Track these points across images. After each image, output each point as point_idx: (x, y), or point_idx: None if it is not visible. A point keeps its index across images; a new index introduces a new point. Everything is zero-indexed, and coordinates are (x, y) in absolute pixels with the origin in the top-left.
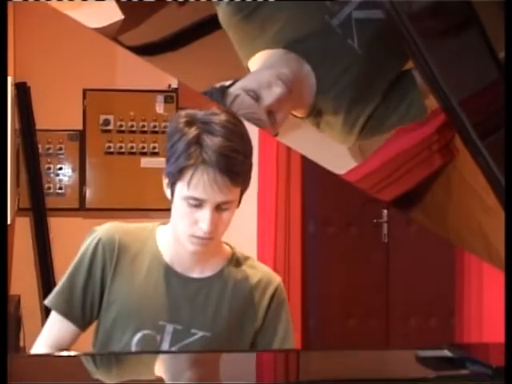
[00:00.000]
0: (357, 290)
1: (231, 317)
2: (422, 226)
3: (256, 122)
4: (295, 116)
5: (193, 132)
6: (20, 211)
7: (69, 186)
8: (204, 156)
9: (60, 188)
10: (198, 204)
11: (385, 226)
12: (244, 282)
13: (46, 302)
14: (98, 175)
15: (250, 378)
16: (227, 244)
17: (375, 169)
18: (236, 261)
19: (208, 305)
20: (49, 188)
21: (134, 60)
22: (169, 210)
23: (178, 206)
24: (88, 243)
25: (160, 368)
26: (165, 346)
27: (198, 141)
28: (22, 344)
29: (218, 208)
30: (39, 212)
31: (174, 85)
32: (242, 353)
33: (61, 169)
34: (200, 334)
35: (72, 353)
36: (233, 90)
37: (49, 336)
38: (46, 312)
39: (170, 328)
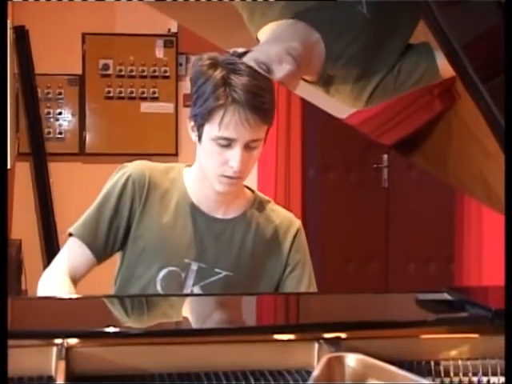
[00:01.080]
0: (357, 235)
1: (254, 258)
2: (422, 171)
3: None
4: (305, 80)
5: (219, 74)
6: (20, 156)
7: (68, 130)
8: (234, 95)
9: (60, 133)
10: (228, 144)
11: (385, 170)
12: (266, 224)
13: (72, 229)
14: (98, 120)
15: (250, 319)
16: (248, 188)
17: (376, 113)
18: (258, 204)
19: (232, 245)
20: (48, 133)
21: (133, 4)
22: (169, 154)
23: (207, 147)
24: (118, 177)
25: (184, 309)
26: (189, 284)
27: (225, 81)
28: (23, 287)
29: (247, 147)
30: (39, 157)
31: (174, 29)
32: (245, 295)
33: (60, 113)
34: (224, 273)
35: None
36: (246, 60)
37: (65, 262)
38: (47, 256)
39: (194, 266)
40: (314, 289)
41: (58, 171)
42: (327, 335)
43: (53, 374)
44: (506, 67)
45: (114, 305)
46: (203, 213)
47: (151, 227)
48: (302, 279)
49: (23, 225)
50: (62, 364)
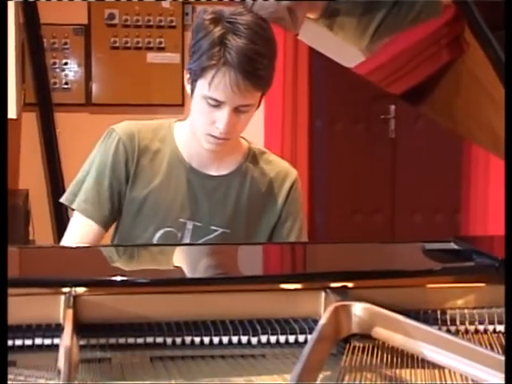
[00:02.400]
0: (363, 186)
1: (250, 213)
2: (429, 122)
3: (278, 21)
4: (310, 18)
5: (218, 31)
6: (26, 106)
7: (75, 81)
8: (227, 57)
9: (66, 83)
10: (217, 104)
11: (392, 121)
12: (261, 178)
13: (75, 206)
14: (104, 70)
15: (256, 268)
16: (243, 138)
17: (384, 62)
18: (252, 157)
19: (227, 202)
20: (55, 83)
21: None
22: (175, 105)
23: (198, 104)
24: (108, 143)
25: (179, 259)
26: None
27: (222, 41)
28: (31, 237)
29: (237, 110)
30: (45, 107)
31: None
32: (251, 245)
33: (66, 64)
34: (220, 230)
35: (86, 244)
36: None
37: (75, 238)
38: (54, 206)
39: (190, 225)
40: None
41: (64, 122)
42: (334, 284)
43: (61, 321)
44: (506, 67)
45: (120, 254)
46: (196, 170)
47: (144, 189)
48: (291, 231)
49: (30, 175)
50: (70, 312)
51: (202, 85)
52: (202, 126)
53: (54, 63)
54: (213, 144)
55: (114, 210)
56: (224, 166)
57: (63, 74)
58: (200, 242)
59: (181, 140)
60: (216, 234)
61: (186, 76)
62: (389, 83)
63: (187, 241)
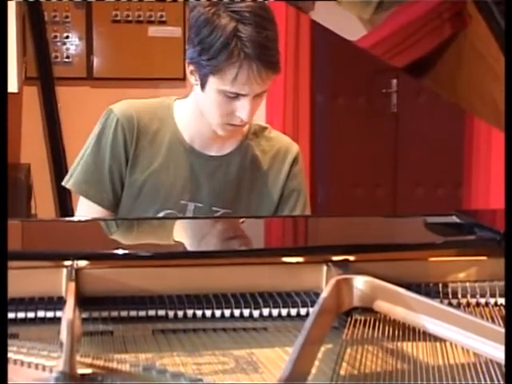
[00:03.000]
0: (365, 160)
1: (252, 191)
2: (431, 96)
3: None
4: None
5: (227, 25)
6: (27, 80)
7: (76, 54)
8: (246, 51)
9: (67, 57)
10: (237, 96)
11: (394, 95)
12: (263, 156)
13: (75, 188)
14: (106, 44)
15: (258, 242)
16: None
17: (387, 35)
18: (253, 134)
19: (228, 182)
20: (56, 57)
21: None
22: (177, 79)
23: (212, 97)
24: (106, 124)
25: (180, 233)
26: None
27: (235, 34)
28: (33, 211)
29: (257, 96)
30: (47, 81)
31: None
32: (252, 218)
33: (67, 37)
34: (221, 211)
35: (87, 218)
36: None
37: None
38: (56, 180)
39: (191, 206)
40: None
41: (65, 95)
42: (335, 258)
43: (63, 294)
44: (506, 67)
45: (121, 228)
46: (197, 151)
47: (144, 172)
48: (295, 207)
49: (32, 149)
50: (72, 285)
51: (219, 80)
52: (219, 117)
53: (55, 37)
54: (231, 132)
55: (117, 193)
56: (226, 146)
57: (64, 47)
58: None
59: (181, 120)
60: (218, 214)
61: (189, 68)
62: (391, 56)
63: None
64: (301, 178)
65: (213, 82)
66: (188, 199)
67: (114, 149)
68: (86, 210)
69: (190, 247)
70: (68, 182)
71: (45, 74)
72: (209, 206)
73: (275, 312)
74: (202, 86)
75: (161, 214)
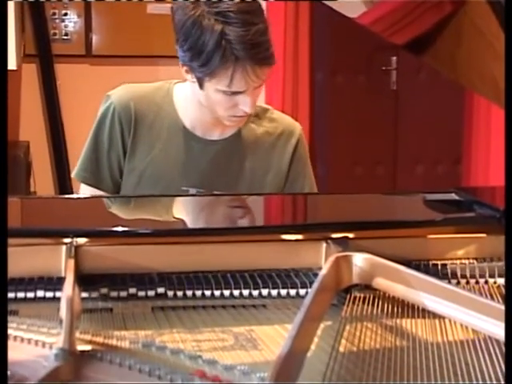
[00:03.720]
0: (364, 138)
1: (254, 174)
2: (431, 73)
3: None
4: None
5: (215, 28)
6: (26, 57)
7: (75, 32)
8: (236, 54)
9: (66, 34)
10: (237, 92)
11: (393, 73)
12: (265, 137)
13: (75, 176)
14: (104, 21)
15: (257, 219)
16: None
17: (387, 12)
18: (255, 116)
19: (230, 165)
20: (54, 34)
21: None
22: (176, 56)
23: (212, 95)
24: (104, 112)
25: (180, 210)
26: None
27: (223, 37)
28: (32, 189)
29: (256, 87)
30: (46, 58)
31: None
32: (252, 196)
33: (66, 14)
34: None
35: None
36: None
37: None
38: (55, 158)
39: (192, 192)
40: None
41: (64, 73)
42: (335, 235)
43: (62, 271)
44: (506, 67)
45: (121, 205)
46: (197, 136)
47: (143, 159)
48: (302, 191)
49: (31, 127)
50: (71, 262)
51: (216, 82)
52: (223, 112)
53: (54, 14)
54: (237, 122)
55: (115, 179)
56: (227, 130)
57: (63, 24)
58: None
59: (181, 106)
60: None
61: (184, 68)
62: (391, 33)
63: None
64: (305, 160)
65: (209, 83)
66: (189, 185)
67: (112, 138)
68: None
69: (189, 224)
70: (72, 173)
71: (43, 52)
72: (210, 190)
73: (274, 292)
74: (200, 85)
75: None
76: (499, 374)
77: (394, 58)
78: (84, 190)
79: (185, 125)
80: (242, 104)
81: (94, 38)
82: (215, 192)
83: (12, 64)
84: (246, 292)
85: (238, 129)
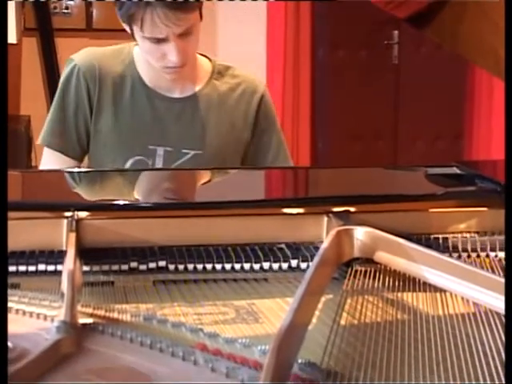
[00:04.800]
0: (366, 113)
1: (220, 131)
2: (432, 48)
3: None
4: None
5: None
6: (26, 31)
7: (75, 6)
8: None
9: (66, 8)
10: (160, 40)
11: (395, 47)
12: (229, 94)
13: (40, 141)
14: None
15: (258, 193)
16: (206, 57)
17: None
18: (217, 73)
19: (195, 123)
20: (55, 8)
21: None
22: None
23: (142, 44)
24: (68, 75)
25: (179, 184)
26: None
27: None
28: (33, 163)
29: (182, 36)
30: (46, 32)
31: None
32: (252, 170)
33: None
34: (192, 152)
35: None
36: None
37: None
38: None
39: (160, 151)
40: (284, 158)
41: (64, 47)
42: (336, 209)
43: (63, 245)
44: (506, 66)
45: (120, 179)
46: (160, 94)
47: (109, 119)
48: (269, 146)
49: (31, 101)
50: (73, 236)
51: (136, 29)
52: (155, 62)
53: None
54: (173, 74)
55: (82, 142)
56: (189, 87)
57: None
58: (173, 166)
59: (142, 65)
60: (188, 156)
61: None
62: (394, 7)
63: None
64: (271, 116)
65: (134, 29)
66: (156, 143)
67: (78, 98)
68: (49, 160)
69: (190, 198)
70: (38, 139)
71: (44, 26)
72: (178, 149)
73: (275, 266)
74: (132, 34)
75: (130, 161)
76: (499, 345)
77: (396, 32)
78: (47, 157)
79: (146, 83)
80: (169, 53)
81: (95, 12)
82: (183, 150)
83: (12, 38)
84: (247, 265)
85: (202, 86)
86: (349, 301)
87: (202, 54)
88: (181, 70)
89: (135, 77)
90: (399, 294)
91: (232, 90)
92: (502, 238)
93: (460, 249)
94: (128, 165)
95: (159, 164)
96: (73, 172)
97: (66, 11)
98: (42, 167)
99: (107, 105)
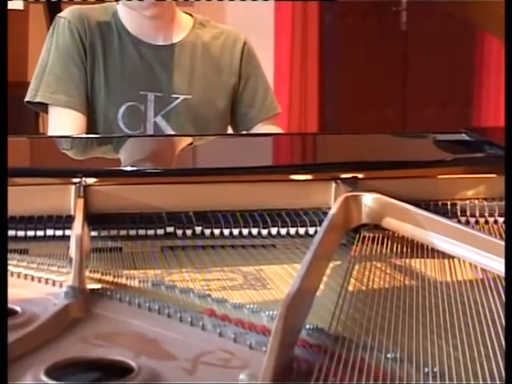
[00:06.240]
0: (374, 80)
1: (207, 76)
2: (441, 15)
3: None
4: None
5: None
6: None
7: None
8: None
9: None
10: None
11: (404, 14)
12: (212, 42)
13: (48, 101)
14: None
15: (266, 159)
16: (187, 13)
17: None
18: (200, 24)
19: (182, 68)
20: None
21: None
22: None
23: None
24: (60, 31)
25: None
26: (150, 115)
27: None
28: (41, 130)
29: None
30: None
31: None
32: (260, 136)
33: None
34: (181, 97)
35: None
36: None
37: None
38: None
39: (151, 96)
40: (272, 101)
41: None
42: (344, 175)
43: (71, 211)
44: (506, 66)
45: (122, 145)
46: (145, 42)
47: (99, 68)
48: (256, 90)
49: None
50: (81, 202)
51: None
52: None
53: None
54: (150, 8)
55: (82, 93)
56: (171, 35)
57: None
58: (164, 111)
59: (125, 15)
60: (178, 101)
61: None
62: None
63: (151, 112)
64: (256, 62)
65: None
66: (147, 89)
67: (73, 48)
68: (59, 118)
69: (197, 163)
70: (35, 97)
71: None
72: (168, 94)
73: (284, 231)
74: None
75: (123, 108)
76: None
77: None
78: (55, 111)
79: (131, 32)
80: None
81: None
82: (173, 95)
83: (19, 4)
84: (255, 231)
85: (185, 35)
86: (357, 267)
87: (184, 12)
88: (157, 3)
89: (120, 26)
90: (407, 261)
91: (215, 39)
92: None
93: (468, 214)
94: (121, 111)
95: (151, 109)
96: (80, 138)
97: None
98: (52, 127)
99: (97, 55)
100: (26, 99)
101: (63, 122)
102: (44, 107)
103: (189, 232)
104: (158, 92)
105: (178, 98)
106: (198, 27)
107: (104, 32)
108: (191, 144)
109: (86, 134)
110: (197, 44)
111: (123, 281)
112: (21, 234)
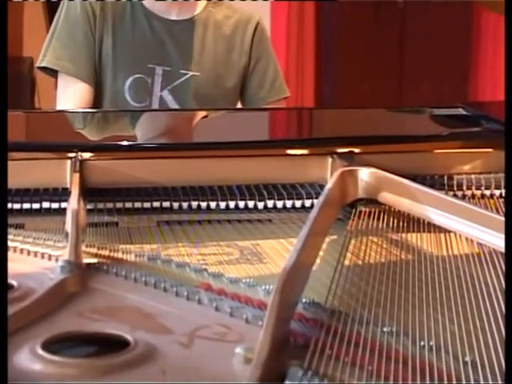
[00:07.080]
0: (370, 54)
1: (217, 54)
2: None
3: None
4: None
5: None
6: None
7: None
8: None
9: None
10: None
11: None
12: (225, 20)
13: (55, 67)
14: None
15: (262, 134)
16: None
17: None
18: (214, 3)
19: (193, 45)
20: None
21: None
22: None
23: None
24: (71, 2)
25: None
26: (157, 89)
27: None
28: (37, 105)
29: None
30: None
31: None
32: (256, 111)
33: None
34: (189, 73)
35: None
36: None
37: (66, 103)
38: None
39: (159, 70)
40: (280, 83)
41: None
42: (340, 150)
43: (68, 185)
44: (506, 66)
45: (124, 119)
46: (157, 16)
47: (109, 39)
48: (266, 71)
49: (34, 43)
50: (77, 176)
51: None
52: None
53: None
54: None
55: (91, 63)
56: (185, 10)
57: None
58: (171, 86)
59: None
60: (186, 77)
61: None
62: None
63: (158, 87)
64: (267, 43)
65: None
66: (155, 63)
67: (82, 17)
68: (65, 87)
69: (194, 138)
70: (42, 62)
71: None
72: (176, 69)
73: (280, 204)
74: None
75: (130, 79)
76: (503, 286)
77: None
78: (63, 79)
79: (144, 5)
80: None
81: None
82: (181, 71)
83: None
84: (251, 203)
85: (199, 11)
86: (353, 241)
87: None
88: None
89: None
90: (403, 235)
91: (228, 18)
92: None
93: (464, 187)
94: (128, 83)
95: (158, 83)
96: (77, 112)
97: None
98: (58, 96)
99: (108, 26)
100: (36, 65)
101: (68, 92)
102: (56, 74)
103: (185, 205)
104: (166, 66)
105: (186, 74)
106: (211, 5)
107: (116, 5)
108: (189, 119)
109: (92, 106)
110: (209, 21)
111: (119, 255)
112: (17, 206)
